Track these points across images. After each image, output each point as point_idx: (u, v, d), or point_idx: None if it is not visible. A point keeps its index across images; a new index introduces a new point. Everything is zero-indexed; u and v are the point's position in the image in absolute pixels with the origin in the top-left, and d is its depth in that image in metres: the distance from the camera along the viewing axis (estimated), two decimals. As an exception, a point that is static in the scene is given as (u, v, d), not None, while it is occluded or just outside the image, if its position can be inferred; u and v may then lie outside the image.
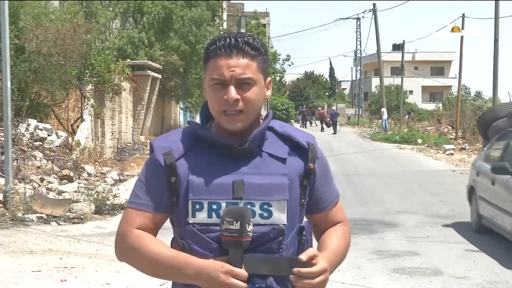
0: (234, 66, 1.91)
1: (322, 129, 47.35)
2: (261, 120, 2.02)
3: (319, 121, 51.15)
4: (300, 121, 54.87)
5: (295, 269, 1.84)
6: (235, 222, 1.82)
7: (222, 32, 2.39)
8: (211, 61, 1.94)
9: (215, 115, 1.95)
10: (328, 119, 48.51)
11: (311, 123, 57.29)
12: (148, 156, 2.03)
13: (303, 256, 1.86)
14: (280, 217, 1.93)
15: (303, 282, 1.84)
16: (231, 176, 1.92)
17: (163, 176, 1.94)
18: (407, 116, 48.69)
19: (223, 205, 1.89)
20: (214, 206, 1.90)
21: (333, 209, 2.10)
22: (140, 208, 1.96)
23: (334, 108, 52.91)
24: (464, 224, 9.99)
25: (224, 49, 1.92)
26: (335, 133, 42.11)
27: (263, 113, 2.07)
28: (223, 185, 1.91)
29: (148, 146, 2.08)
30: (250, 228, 1.84)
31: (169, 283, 2.06)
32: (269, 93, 2.02)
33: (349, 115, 66.15)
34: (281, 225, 1.92)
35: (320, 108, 57.16)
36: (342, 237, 2.07)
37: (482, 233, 9.06)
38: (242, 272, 1.83)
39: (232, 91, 1.90)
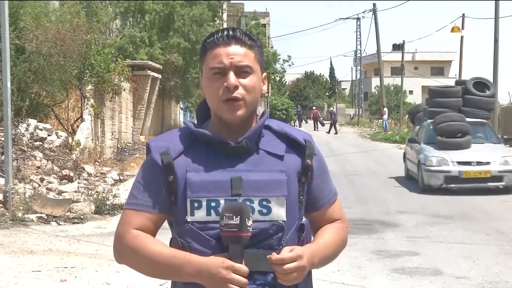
0: (233, 53, 1.93)
1: (315, 128, 47.50)
2: (257, 118, 2.03)
3: (312, 120, 51.51)
4: (297, 121, 55.11)
5: (268, 256, 1.85)
6: (234, 217, 1.82)
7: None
8: (209, 52, 1.95)
9: (214, 106, 1.95)
10: (321, 118, 48.73)
11: (306, 121, 57.60)
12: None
13: (275, 254, 1.85)
14: (279, 213, 1.93)
15: (277, 268, 1.84)
16: (229, 173, 1.92)
17: (160, 175, 1.94)
18: (407, 116, 48.67)
19: (222, 202, 1.89)
20: (213, 204, 1.90)
21: (330, 208, 2.09)
22: (137, 209, 1.95)
23: (333, 108, 52.99)
24: (463, 223, 10.01)
25: (223, 38, 1.94)
26: (336, 133, 42.18)
27: (261, 111, 2.07)
28: (221, 183, 1.91)
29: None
30: (249, 223, 1.83)
31: (169, 283, 2.05)
32: (265, 88, 2.03)
33: (352, 115, 66.16)
34: (281, 221, 1.92)
35: (314, 108, 57.32)
36: (335, 232, 2.05)
37: (408, 180, 15.59)
38: (243, 267, 1.83)
39: (232, 77, 1.91)
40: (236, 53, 1.93)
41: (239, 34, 1.95)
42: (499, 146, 14.90)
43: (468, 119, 14.94)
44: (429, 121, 15.36)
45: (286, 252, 1.86)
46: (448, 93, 16.01)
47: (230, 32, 1.95)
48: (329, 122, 45.78)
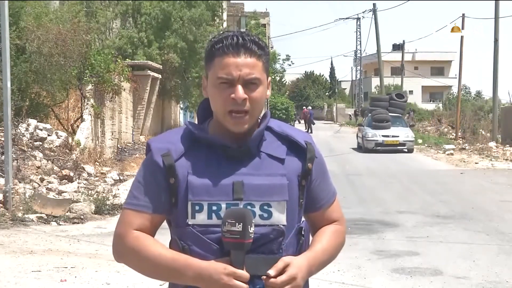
0: (242, 65, 1.90)
1: (306, 127, 47.92)
2: (259, 120, 2.01)
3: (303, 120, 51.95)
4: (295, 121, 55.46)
5: (262, 277, 1.85)
6: (237, 223, 1.81)
7: (221, 31, 2.39)
8: (216, 59, 1.92)
9: (220, 115, 1.93)
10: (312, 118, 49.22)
11: (299, 121, 58.02)
12: None
13: (271, 272, 1.85)
14: (280, 217, 1.92)
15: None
16: (231, 177, 1.91)
17: (161, 177, 1.93)
18: (407, 116, 48.77)
19: (223, 206, 1.89)
20: (214, 207, 1.90)
21: (329, 208, 2.08)
22: (138, 209, 1.95)
23: (310, 107, 53.27)
24: (463, 223, 10.01)
25: (232, 47, 1.91)
26: (311, 132, 42.66)
27: (262, 112, 2.07)
28: (223, 186, 1.90)
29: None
30: (252, 229, 1.83)
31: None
32: (269, 93, 2.02)
33: (351, 115, 66.18)
34: (281, 226, 1.92)
35: (304, 108, 57.71)
36: (333, 236, 2.06)
37: (358, 148, 27.44)
38: (244, 273, 1.83)
39: (240, 90, 1.89)
40: (246, 64, 1.90)
41: (249, 42, 1.92)
42: (406, 128, 27.08)
43: (391, 114, 27.93)
44: (369, 114, 28.26)
45: (281, 264, 1.86)
46: (381, 99, 31.37)
47: (240, 40, 1.91)
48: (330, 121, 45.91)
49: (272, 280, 1.84)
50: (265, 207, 1.91)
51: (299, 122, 58.05)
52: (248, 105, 1.90)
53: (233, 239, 1.82)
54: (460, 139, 32.62)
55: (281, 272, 1.86)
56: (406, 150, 25.83)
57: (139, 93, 22.36)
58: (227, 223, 1.82)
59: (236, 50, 1.90)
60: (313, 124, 48.58)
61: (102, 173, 14.46)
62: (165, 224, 2.03)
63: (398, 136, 25.96)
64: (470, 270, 7.14)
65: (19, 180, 11.24)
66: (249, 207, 1.89)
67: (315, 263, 1.96)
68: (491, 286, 6.53)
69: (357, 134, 29.52)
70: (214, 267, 1.83)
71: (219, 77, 1.91)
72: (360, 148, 27.05)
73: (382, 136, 25.94)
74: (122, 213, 2.00)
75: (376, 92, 61.45)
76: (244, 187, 1.90)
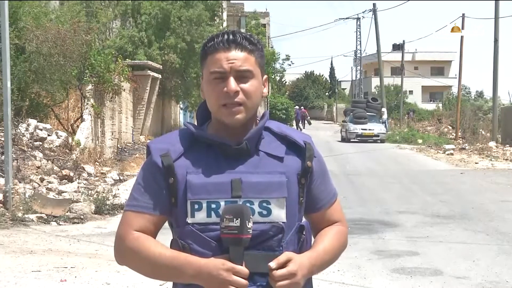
0: (233, 58, 1.92)
1: (302, 126, 48.37)
2: (257, 120, 2.03)
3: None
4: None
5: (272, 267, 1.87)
6: (235, 219, 1.82)
7: (221, 31, 2.42)
8: (209, 56, 1.95)
9: (214, 110, 1.96)
10: (309, 117, 49.42)
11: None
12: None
13: (272, 264, 1.86)
14: (279, 214, 1.93)
15: (273, 283, 1.87)
16: (229, 175, 1.92)
17: (161, 177, 1.94)
18: (407, 116, 48.82)
19: (222, 204, 1.90)
20: (213, 206, 1.90)
21: (330, 209, 2.09)
22: (138, 210, 1.96)
23: (297, 106, 53.31)
24: (463, 223, 10.01)
25: (223, 43, 1.94)
26: (301, 130, 42.97)
27: (261, 112, 2.07)
28: (222, 184, 1.91)
29: (148, 146, 2.09)
30: (250, 225, 1.84)
31: (169, 283, 2.06)
32: (266, 90, 2.03)
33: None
34: (281, 223, 1.93)
35: (302, 108, 57.86)
36: (334, 236, 2.06)
37: (342, 140, 34.97)
38: (243, 269, 1.84)
39: (232, 83, 1.91)
40: (236, 57, 1.93)
41: (239, 38, 1.95)
42: (379, 124, 35.44)
43: (367, 113, 36.01)
44: (351, 113, 36.26)
45: (283, 258, 1.87)
46: (360, 102, 40.94)
47: (230, 37, 1.94)
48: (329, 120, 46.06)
49: (274, 272, 1.86)
50: (264, 204, 1.92)
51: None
52: (242, 96, 1.92)
53: (231, 235, 1.83)
54: (460, 139, 32.66)
55: (282, 266, 1.87)
56: (379, 140, 33.23)
57: (139, 93, 22.37)
58: (225, 219, 1.84)
59: (227, 45, 1.94)
60: (310, 124, 48.61)
61: (102, 173, 14.45)
62: (166, 224, 2.04)
63: (373, 130, 33.99)
64: (470, 270, 7.14)
65: (19, 180, 11.24)
66: (248, 204, 1.90)
67: (317, 263, 1.96)
68: (491, 286, 6.53)
69: (341, 129, 37.35)
70: (213, 263, 1.84)
71: (211, 72, 1.93)
72: (344, 140, 34.41)
73: (361, 129, 33.70)
74: (123, 215, 2.01)
75: (376, 92, 61.70)
76: (242, 184, 1.91)
